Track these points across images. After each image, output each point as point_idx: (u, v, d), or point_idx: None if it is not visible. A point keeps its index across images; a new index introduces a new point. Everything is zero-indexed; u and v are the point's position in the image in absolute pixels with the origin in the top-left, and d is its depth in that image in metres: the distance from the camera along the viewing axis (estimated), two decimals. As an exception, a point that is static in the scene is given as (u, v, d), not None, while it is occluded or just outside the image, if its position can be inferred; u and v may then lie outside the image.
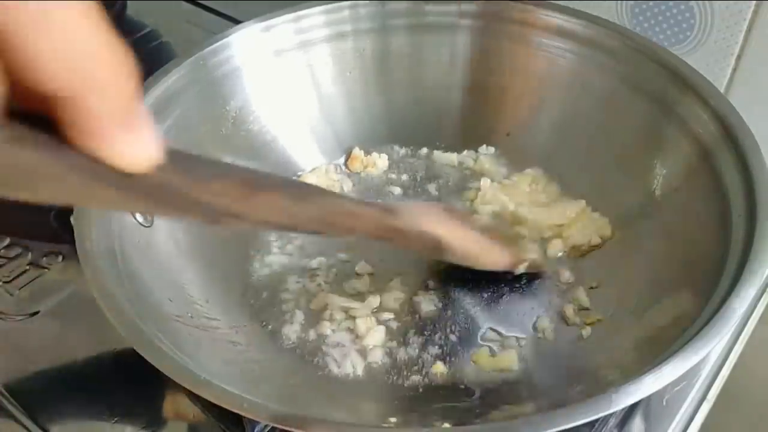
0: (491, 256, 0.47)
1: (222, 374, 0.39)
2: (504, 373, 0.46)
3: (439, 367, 0.46)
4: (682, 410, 0.45)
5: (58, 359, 0.49)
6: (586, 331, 0.47)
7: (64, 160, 0.23)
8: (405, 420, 0.41)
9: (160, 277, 0.46)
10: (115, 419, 0.45)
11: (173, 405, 0.46)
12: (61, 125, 0.23)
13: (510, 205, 0.56)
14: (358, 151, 0.61)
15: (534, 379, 0.45)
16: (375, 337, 0.48)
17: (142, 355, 0.36)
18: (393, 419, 0.40)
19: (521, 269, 0.48)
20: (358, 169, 0.61)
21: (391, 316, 0.50)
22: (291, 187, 0.37)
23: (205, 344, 0.44)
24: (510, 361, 0.47)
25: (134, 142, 0.24)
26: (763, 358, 0.52)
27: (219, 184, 0.30)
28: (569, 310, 0.49)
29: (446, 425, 0.35)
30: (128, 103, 0.23)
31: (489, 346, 0.48)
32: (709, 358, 0.48)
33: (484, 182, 0.58)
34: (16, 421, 0.46)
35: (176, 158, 0.27)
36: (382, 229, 0.41)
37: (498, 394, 0.45)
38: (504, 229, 0.54)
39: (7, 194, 0.23)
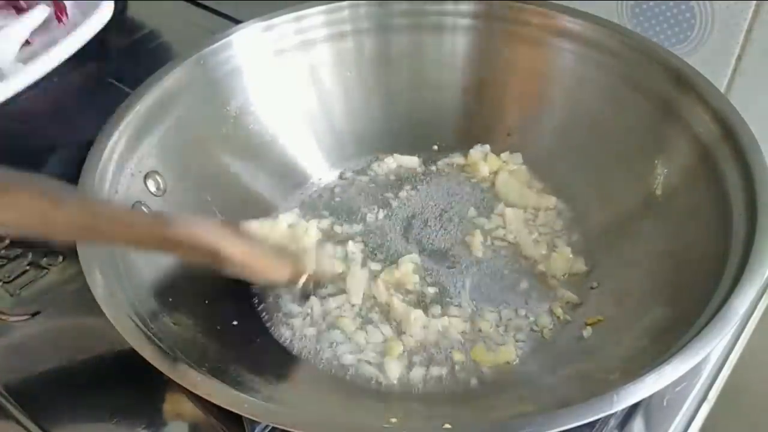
0: (271, 269, 0.46)
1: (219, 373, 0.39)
2: (503, 368, 0.46)
3: (436, 370, 0.47)
4: (683, 410, 0.45)
5: (58, 359, 0.49)
6: (587, 332, 0.47)
7: None
8: (405, 420, 0.41)
9: (160, 276, 0.46)
10: (116, 419, 0.45)
11: (173, 405, 0.46)
12: None
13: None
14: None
15: (533, 377, 0.46)
16: (372, 336, 0.49)
17: (142, 354, 0.36)
18: (394, 419, 0.40)
19: (301, 282, 0.48)
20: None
21: (384, 312, 0.50)
22: (49, 189, 0.35)
23: (205, 342, 0.44)
24: (508, 355, 0.47)
25: None
26: (763, 358, 0.52)
27: None
28: (557, 308, 0.49)
29: (447, 426, 0.35)
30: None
31: (486, 341, 0.48)
32: (709, 358, 0.48)
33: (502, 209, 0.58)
34: (17, 421, 0.46)
35: None
36: (155, 238, 0.40)
37: (497, 392, 0.45)
38: (283, 245, 0.53)
39: None
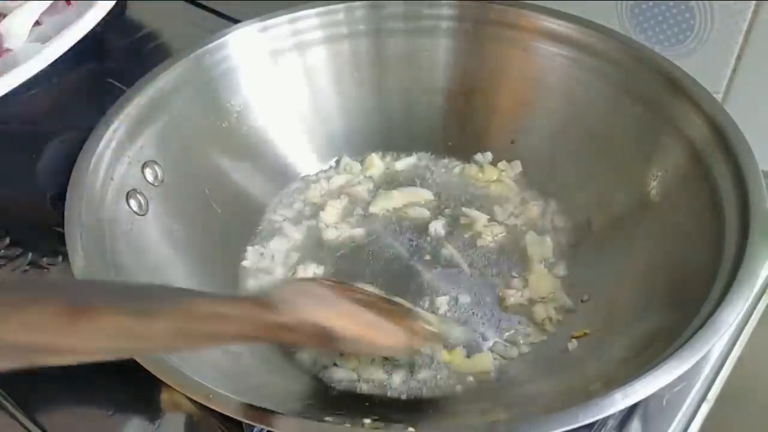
0: (387, 338, 0.41)
1: (207, 370, 0.39)
2: (480, 377, 0.46)
3: (422, 373, 0.46)
4: (682, 411, 0.45)
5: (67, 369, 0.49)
6: (572, 345, 0.47)
7: None
8: (379, 422, 0.41)
9: (149, 269, 0.46)
10: (112, 412, 0.45)
11: (170, 397, 0.46)
12: None
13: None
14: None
15: (511, 386, 0.46)
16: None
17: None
18: (367, 420, 0.40)
19: (421, 349, 0.44)
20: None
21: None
22: (130, 299, 0.30)
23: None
24: (485, 364, 0.47)
25: None
26: (763, 358, 0.52)
27: (31, 315, 0.23)
28: (545, 319, 0.49)
29: (410, 429, 0.35)
30: None
31: (465, 348, 0.48)
32: (708, 358, 0.48)
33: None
34: (15, 419, 0.46)
35: None
36: (260, 328, 0.35)
37: (472, 400, 0.45)
38: (390, 302, 0.47)
39: None
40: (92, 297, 0.27)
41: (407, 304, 0.48)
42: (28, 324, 0.24)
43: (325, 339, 0.37)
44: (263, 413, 0.34)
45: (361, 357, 0.46)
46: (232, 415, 0.34)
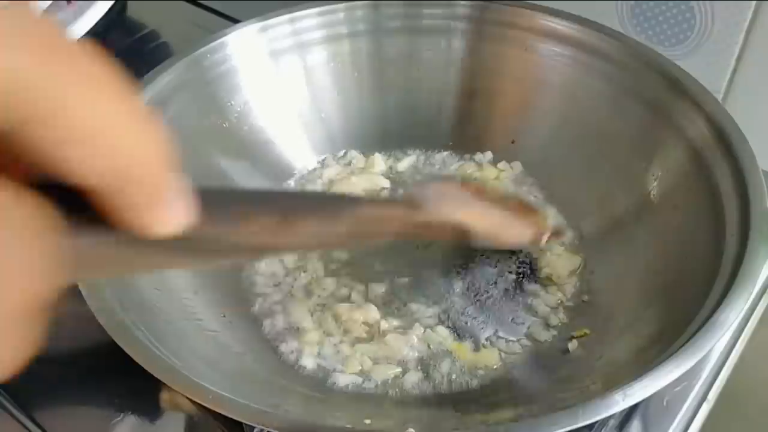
0: (514, 233, 0.47)
1: (207, 371, 0.39)
2: (483, 371, 0.46)
3: (419, 374, 0.46)
4: (683, 411, 0.45)
5: (56, 355, 0.49)
6: (573, 345, 0.47)
7: (104, 237, 0.22)
8: (381, 422, 0.41)
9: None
10: (113, 409, 0.45)
11: (170, 397, 0.46)
12: (90, 200, 0.20)
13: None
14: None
15: (515, 384, 0.46)
16: (360, 335, 0.49)
17: (127, 352, 0.36)
18: (368, 421, 0.40)
19: (544, 242, 0.49)
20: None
21: (377, 315, 0.50)
22: (320, 208, 0.36)
23: (190, 336, 0.44)
24: (491, 359, 0.47)
25: (170, 214, 0.22)
26: (763, 358, 0.52)
27: (253, 224, 0.29)
28: (553, 318, 0.49)
29: (410, 430, 0.35)
30: (165, 183, 0.21)
31: (472, 343, 0.48)
32: (709, 358, 0.48)
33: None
34: (15, 419, 0.46)
35: (207, 205, 0.25)
36: (409, 226, 0.41)
37: (477, 397, 0.45)
38: (521, 198, 0.54)
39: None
40: (295, 210, 0.32)
41: (531, 202, 0.53)
42: (255, 231, 0.29)
43: (463, 234, 0.42)
44: (262, 413, 0.34)
45: (364, 363, 0.47)
46: (231, 416, 0.34)
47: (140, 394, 0.46)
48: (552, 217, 0.52)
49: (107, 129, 0.18)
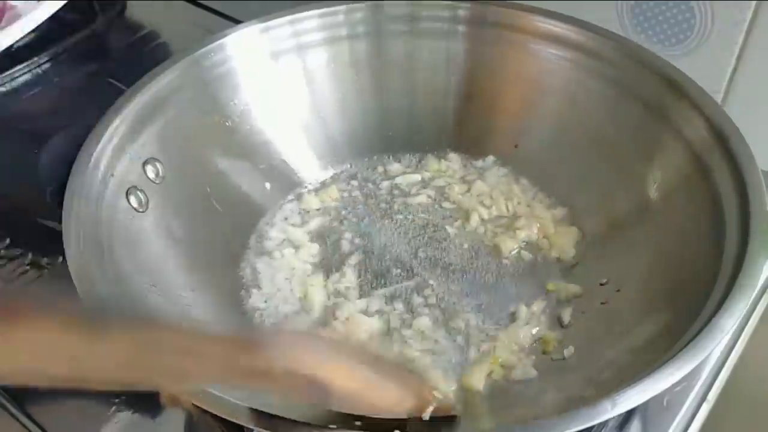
0: (390, 399, 0.36)
1: None
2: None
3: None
4: (683, 411, 0.45)
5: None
6: (569, 350, 0.47)
7: None
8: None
9: (146, 265, 0.46)
10: (113, 406, 0.46)
11: (170, 393, 0.46)
12: None
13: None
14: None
15: (510, 389, 0.46)
16: (360, 334, 0.48)
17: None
18: (358, 423, 0.40)
19: (427, 414, 0.37)
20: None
21: (375, 317, 0.50)
22: (74, 312, 0.27)
23: None
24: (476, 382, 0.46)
25: None
26: (763, 358, 0.52)
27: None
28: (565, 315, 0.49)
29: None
30: None
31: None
32: (709, 359, 0.48)
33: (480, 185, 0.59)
34: (15, 418, 0.46)
35: None
36: (236, 370, 0.31)
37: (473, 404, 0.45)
38: (397, 362, 0.45)
39: None
40: (27, 305, 0.25)
41: (415, 369, 0.44)
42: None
43: (316, 393, 0.32)
44: (256, 413, 0.34)
45: None
46: (223, 416, 0.34)
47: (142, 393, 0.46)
48: (439, 386, 0.45)
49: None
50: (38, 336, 0.24)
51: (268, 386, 0.32)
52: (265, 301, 0.52)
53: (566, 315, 0.50)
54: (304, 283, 0.53)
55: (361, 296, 0.52)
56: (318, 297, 0.52)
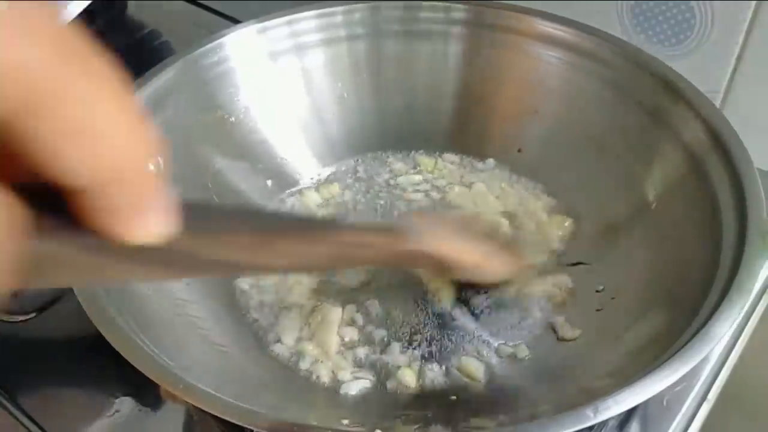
0: (495, 267, 0.46)
1: (193, 365, 0.39)
2: (472, 382, 0.46)
3: (408, 373, 0.46)
4: (683, 411, 0.45)
5: (59, 358, 0.49)
6: (564, 347, 0.47)
7: (78, 242, 0.21)
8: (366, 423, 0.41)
9: None
10: (112, 401, 0.46)
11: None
12: (68, 203, 0.20)
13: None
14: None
15: (502, 390, 0.45)
16: (345, 339, 0.49)
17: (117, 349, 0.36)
18: (345, 421, 0.40)
19: (526, 277, 0.48)
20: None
21: (370, 324, 0.50)
22: (302, 228, 0.36)
23: (180, 332, 0.44)
24: (477, 366, 0.46)
25: (151, 221, 0.21)
26: (763, 358, 0.52)
27: (231, 239, 0.29)
28: (560, 322, 0.49)
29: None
30: (151, 188, 0.21)
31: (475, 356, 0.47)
32: (709, 358, 0.48)
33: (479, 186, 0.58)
34: (18, 421, 0.46)
35: (188, 218, 0.24)
36: (391, 254, 0.40)
37: (467, 404, 0.45)
38: (504, 233, 0.53)
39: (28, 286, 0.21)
40: (277, 229, 0.33)
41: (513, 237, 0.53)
42: (235, 248, 0.29)
43: (445, 267, 0.42)
44: (252, 413, 0.34)
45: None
46: (220, 416, 0.34)
47: (140, 386, 0.46)
48: (536, 253, 0.52)
49: (103, 125, 0.18)
50: (287, 249, 0.33)
51: (412, 264, 0.44)
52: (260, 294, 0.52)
53: (561, 323, 0.49)
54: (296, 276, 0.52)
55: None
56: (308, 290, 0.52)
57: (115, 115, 0.19)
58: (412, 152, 0.62)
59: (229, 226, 0.29)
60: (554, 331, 0.48)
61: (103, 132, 0.18)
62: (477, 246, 0.45)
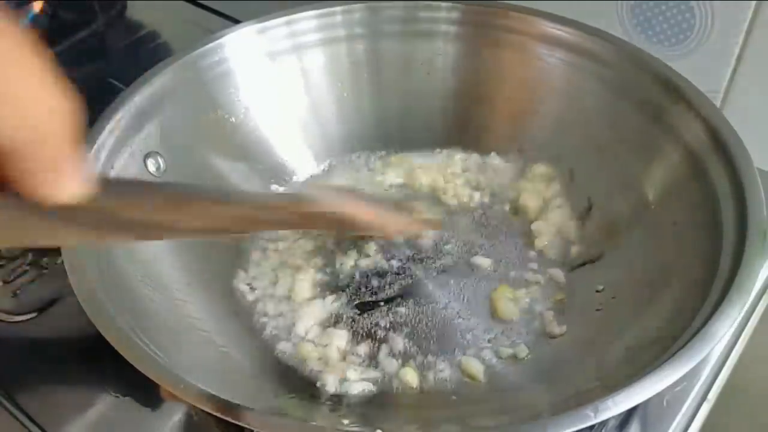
0: (391, 224, 0.51)
1: (193, 366, 0.39)
2: (472, 382, 0.46)
3: (410, 373, 0.46)
4: (683, 410, 0.45)
5: (59, 359, 0.49)
6: (564, 347, 0.47)
7: (3, 204, 0.23)
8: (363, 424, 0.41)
9: (142, 260, 0.46)
10: (114, 401, 0.46)
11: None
12: None
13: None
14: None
15: (500, 391, 0.45)
16: (343, 340, 0.49)
17: (118, 350, 0.37)
18: (346, 421, 0.40)
19: (421, 230, 0.54)
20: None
21: (365, 319, 0.50)
22: (216, 193, 0.41)
23: (180, 332, 0.44)
24: (477, 367, 0.46)
25: (66, 181, 0.23)
26: (763, 358, 0.52)
27: (149, 201, 0.32)
28: (549, 317, 0.49)
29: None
30: (65, 150, 0.22)
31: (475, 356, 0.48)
32: (709, 358, 0.48)
33: None
34: (18, 420, 0.46)
35: (106, 181, 0.28)
36: (301, 216, 0.44)
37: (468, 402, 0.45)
38: (399, 200, 0.59)
39: None
40: (191, 193, 0.36)
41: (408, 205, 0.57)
42: (151, 208, 0.31)
43: (345, 223, 0.46)
44: (250, 412, 0.34)
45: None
46: (218, 415, 0.34)
47: (140, 385, 0.46)
48: (428, 212, 0.56)
49: (16, 88, 0.20)
50: (200, 210, 0.35)
51: (318, 224, 0.49)
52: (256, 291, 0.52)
53: (557, 324, 0.49)
54: (293, 275, 0.53)
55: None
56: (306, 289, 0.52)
57: (28, 78, 0.21)
58: (412, 151, 0.62)
59: (149, 191, 0.33)
60: (544, 330, 0.49)
61: (16, 94, 0.20)
62: (374, 205, 0.50)
